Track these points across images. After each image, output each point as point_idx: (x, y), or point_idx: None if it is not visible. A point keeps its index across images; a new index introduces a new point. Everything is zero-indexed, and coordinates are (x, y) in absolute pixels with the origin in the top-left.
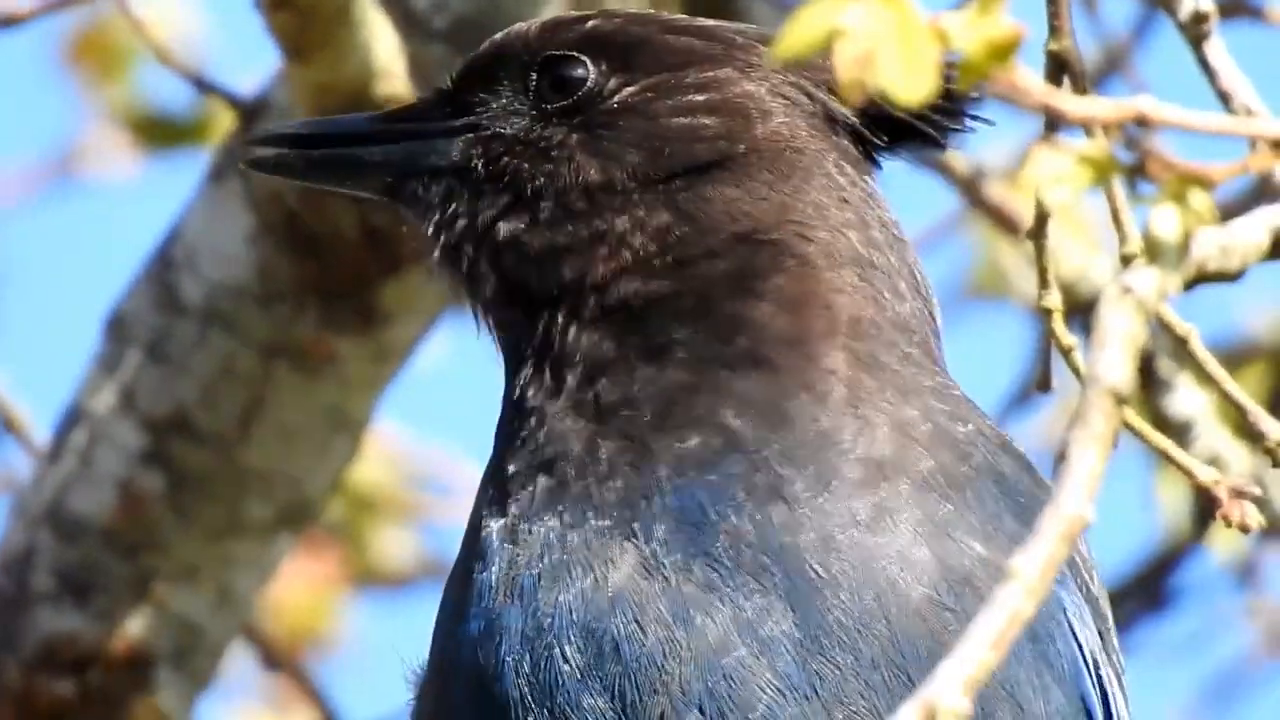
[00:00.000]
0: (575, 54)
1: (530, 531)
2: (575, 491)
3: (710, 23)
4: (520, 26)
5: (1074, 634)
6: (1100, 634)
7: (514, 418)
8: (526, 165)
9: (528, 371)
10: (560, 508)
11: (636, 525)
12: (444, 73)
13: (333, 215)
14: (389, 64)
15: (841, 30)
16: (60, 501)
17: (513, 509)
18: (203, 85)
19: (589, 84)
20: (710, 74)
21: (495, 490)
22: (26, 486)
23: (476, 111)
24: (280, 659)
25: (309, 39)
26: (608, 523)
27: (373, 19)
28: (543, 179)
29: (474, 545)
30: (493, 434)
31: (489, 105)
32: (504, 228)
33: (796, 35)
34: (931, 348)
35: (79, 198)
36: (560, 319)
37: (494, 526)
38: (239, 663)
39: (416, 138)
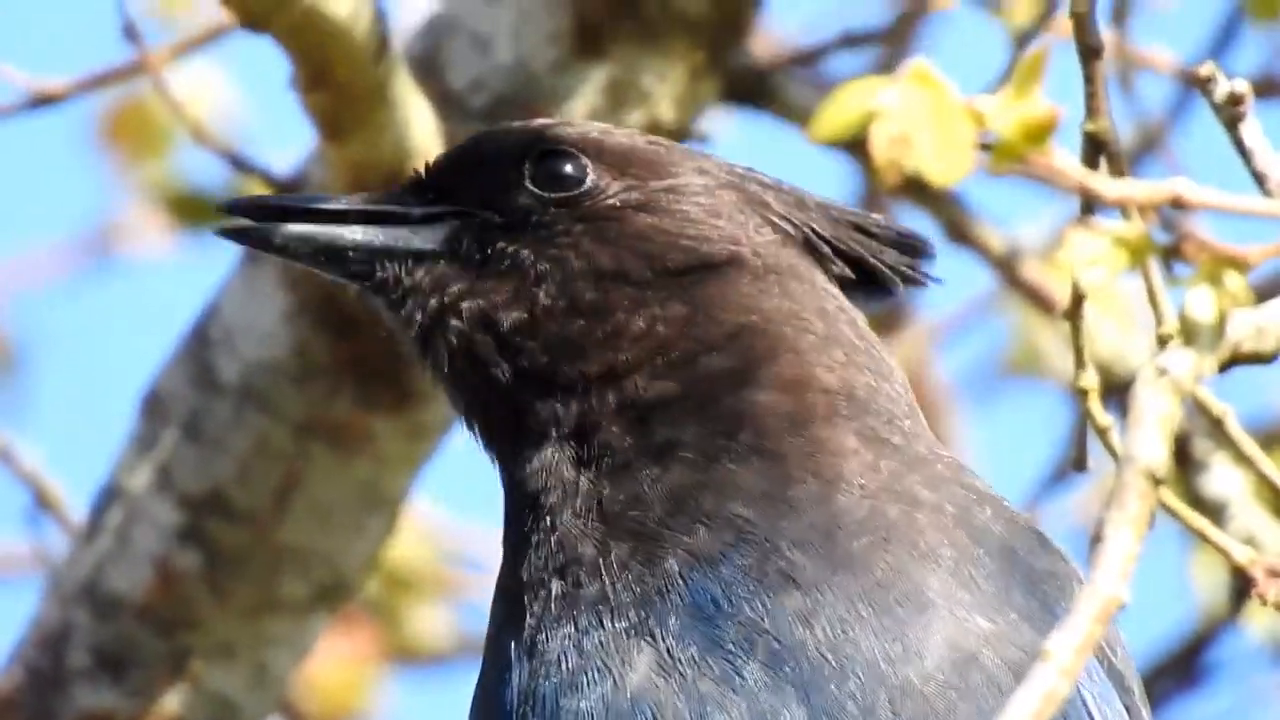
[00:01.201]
0: (572, 150)
1: (547, 641)
2: (589, 595)
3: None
4: (510, 124)
5: (1090, 716)
6: (1127, 708)
7: (521, 524)
8: (528, 251)
9: (533, 475)
10: (575, 613)
11: (652, 623)
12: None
13: None
14: (426, 143)
15: (878, 111)
16: (96, 579)
17: (528, 620)
18: (239, 164)
19: (589, 180)
20: (705, 183)
21: (509, 602)
22: (62, 564)
23: (461, 199)
24: None
25: (345, 118)
26: (624, 624)
27: (410, 98)
28: (548, 265)
29: (493, 661)
30: (501, 541)
31: (473, 194)
32: (507, 316)
33: (834, 115)
34: (924, 423)
35: (115, 276)
36: (568, 416)
37: (510, 641)
38: None
39: (398, 221)
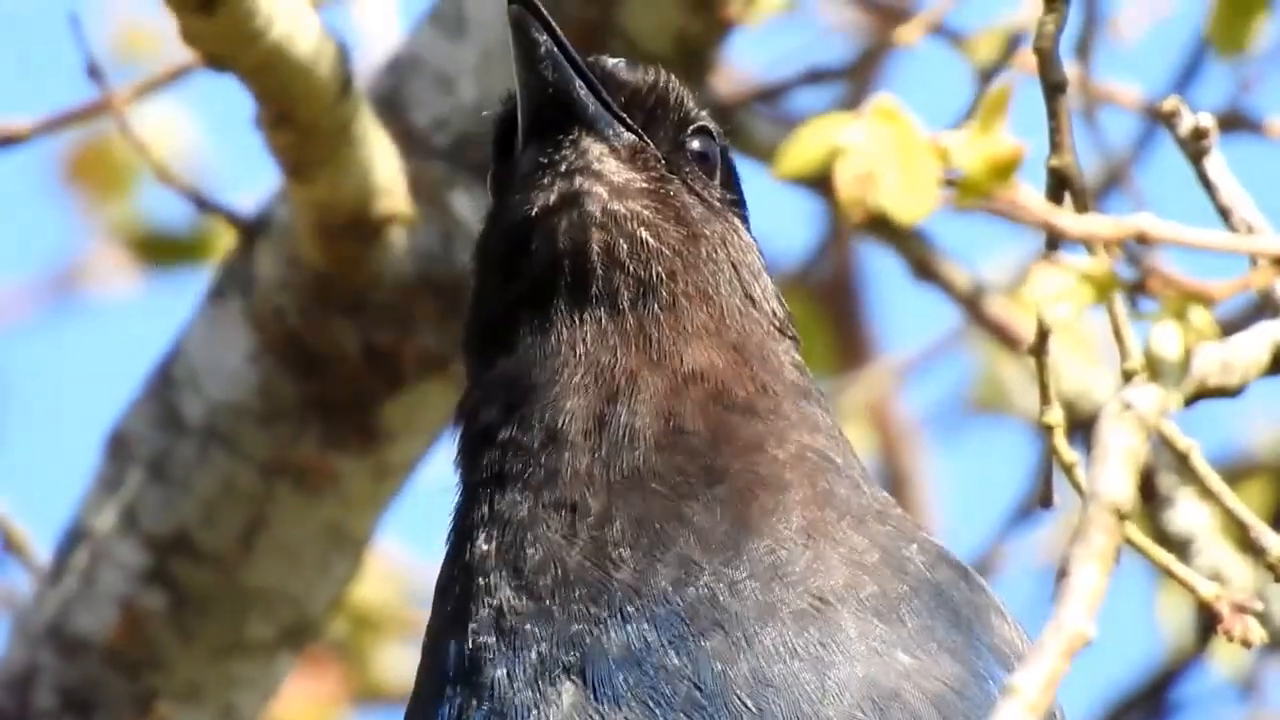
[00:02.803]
0: (718, 142)
1: (484, 660)
2: (532, 611)
3: None
4: (675, 80)
5: None
6: None
7: (481, 502)
8: (701, 210)
9: (506, 464)
10: (515, 632)
11: (581, 660)
12: (446, 190)
13: (334, 334)
14: (390, 182)
15: (842, 148)
16: (62, 620)
17: (470, 627)
18: (203, 203)
19: (718, 176)
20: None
21: (452, 599)
22: (28, 605)
23: (639, 120)
24: None
25: (309, 157)
26: (559, 652)
27: (373, 137)
28: (711, 230)
29: (430, 670)
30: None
31: (651, 124)
32: (664, 243)
33: (798, 152)
34: (865, 468)
35: (79, 316)
36: (620, 377)
37: (450, 648)
38: None
39: (605, 107)
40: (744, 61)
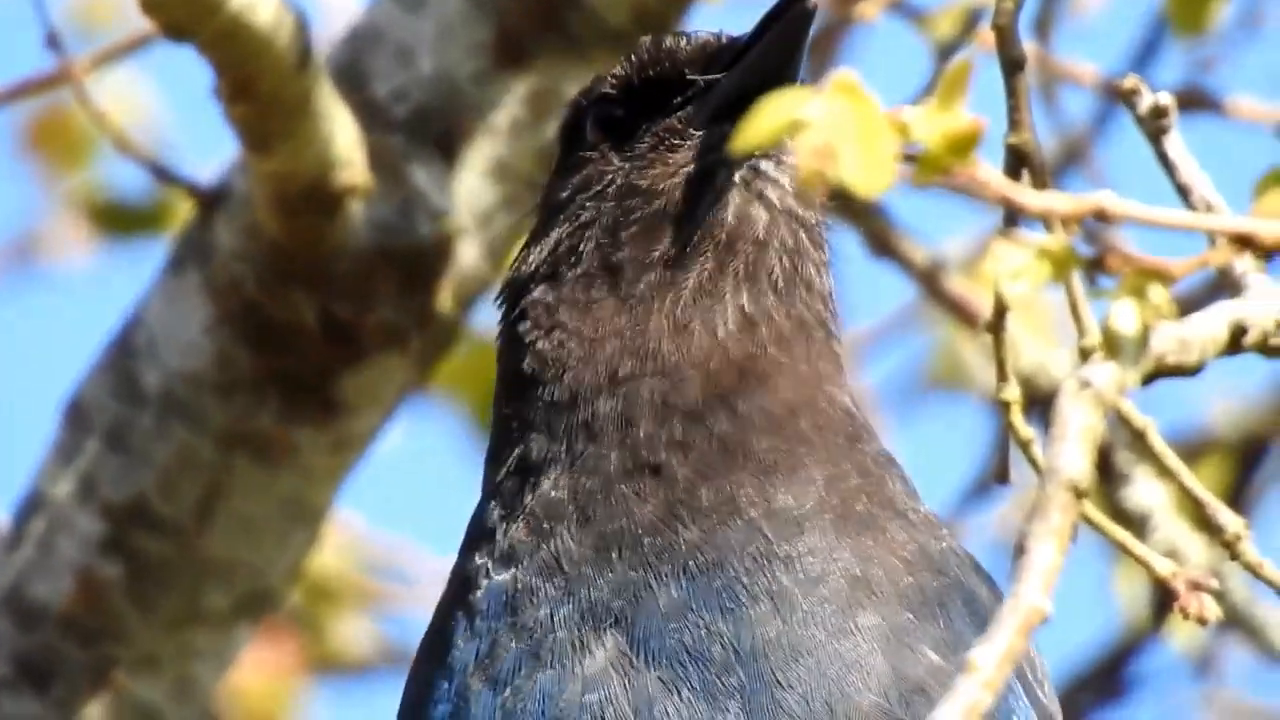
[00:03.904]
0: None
1: (520, 609)
2: (575, 567)
3: None
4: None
5: None
6: None
7: (532, 461)
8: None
9: (576, 437)
10: (557, 582)
11: (631, 613)
12: (405, 162)
13: (292, 305)
14: (349, 154)
15: (802, 122)
16: (19, 589)
17: (507, 583)
18: (162, 174)
19: None
20: None
21: (487, 557)
22: None
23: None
24: None
25: (268, 128)
26: (605, 605)
27: (332, 109)
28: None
29: (445, 623)
30: (486, 475)
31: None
32: (811, 247)
33: (758, 127)
34: (896, 460)
35: (37, 285)
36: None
37: (476, 603)
38: None
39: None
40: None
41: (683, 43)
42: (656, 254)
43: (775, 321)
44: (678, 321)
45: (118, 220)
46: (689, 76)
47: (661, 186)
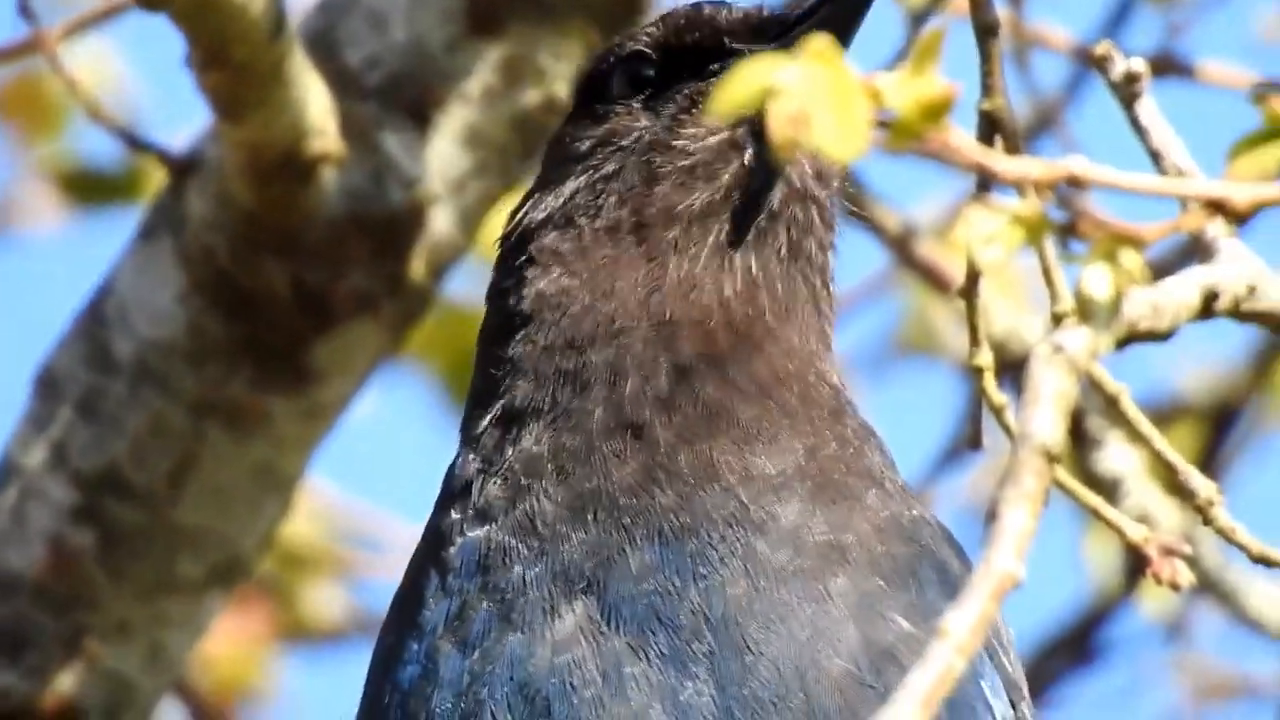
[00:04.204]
0: None
1: (493, 568)
2: (549, 528)
3: None
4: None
5: (990, 705)
6: (1013, 703)
7: (516, 410)
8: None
9: (562, 387)
10: (530, 542)
11: (599, 577)
12: (377, 130)
13: (264, 274)
14: (321, 122)
15: (776, 88)
16: None
17: (480, 541)
18: (134, 142)
19: None
20: None
21: (462, 515)
22: None
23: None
24: (211, 714)
25: (241, 96)
26: (578, 567)
27: (305, 77)
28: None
29: (417, 579)
30: (466, 424)
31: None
32: (831, 221)
33: (732, 93)
34: (876, 432)
35: (9, 253)
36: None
37: (449, 560)
38: (170, 719)
39: None
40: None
41: (724, 11)
42: (680, 212)
43: (776, 290)
44: (691, 278)
45: (90, 189)
46: (731, 45)
47: (692, 148)
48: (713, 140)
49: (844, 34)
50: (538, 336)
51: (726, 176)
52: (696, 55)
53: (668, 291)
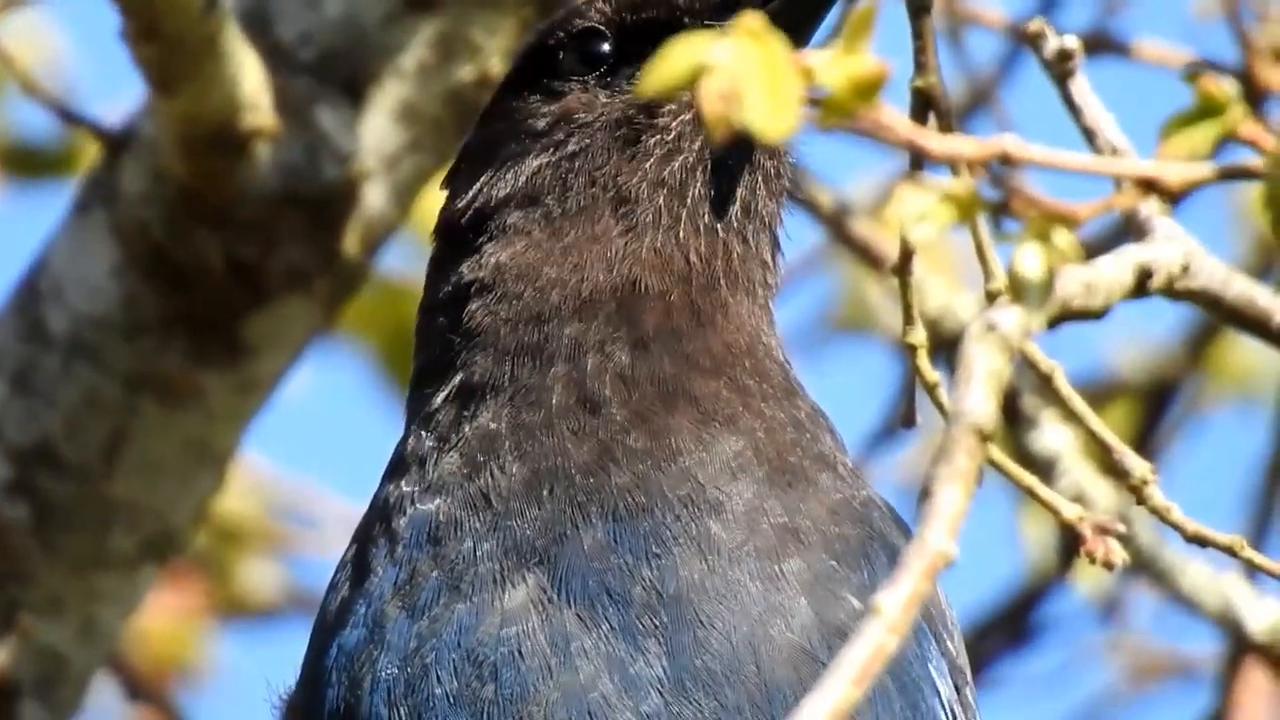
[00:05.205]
0: None
1: (443, 539)
2: (503, 503)
3: None
4: None
5: (936, 688)
6: (957, 688)
7: (473, 385)
8: None
9: (522, 361)
10: (484, 517)
11: (550, 553)
12: (311, 105)
13: (198, 248)
14: (255, 96)
15: (708, 66)
16: None
17: (431, 513)
18: (69, 116)
19: None
20: None
21: (413, 486)
22: None
23: None
24: (145, 690)
25: (175, 71)
26: (529, 542)
27: (239, 51)
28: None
29: (363, 548)
30: (414, 399)
31: None
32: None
33: (664, 70)
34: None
35: None
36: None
37: (398, 532)
38: (104, 694)
39: None
40: None
41: None
42: (661, 185)
43: (732, 260)
44: (666, 247)
45: (24, 163)
46: (687, 23)
47: (673, 124)
48: (688, 115)
49: (810, 20)
50: (498, 308)
51: (699, 149)
52: (653, 32)
53: (643, 262)
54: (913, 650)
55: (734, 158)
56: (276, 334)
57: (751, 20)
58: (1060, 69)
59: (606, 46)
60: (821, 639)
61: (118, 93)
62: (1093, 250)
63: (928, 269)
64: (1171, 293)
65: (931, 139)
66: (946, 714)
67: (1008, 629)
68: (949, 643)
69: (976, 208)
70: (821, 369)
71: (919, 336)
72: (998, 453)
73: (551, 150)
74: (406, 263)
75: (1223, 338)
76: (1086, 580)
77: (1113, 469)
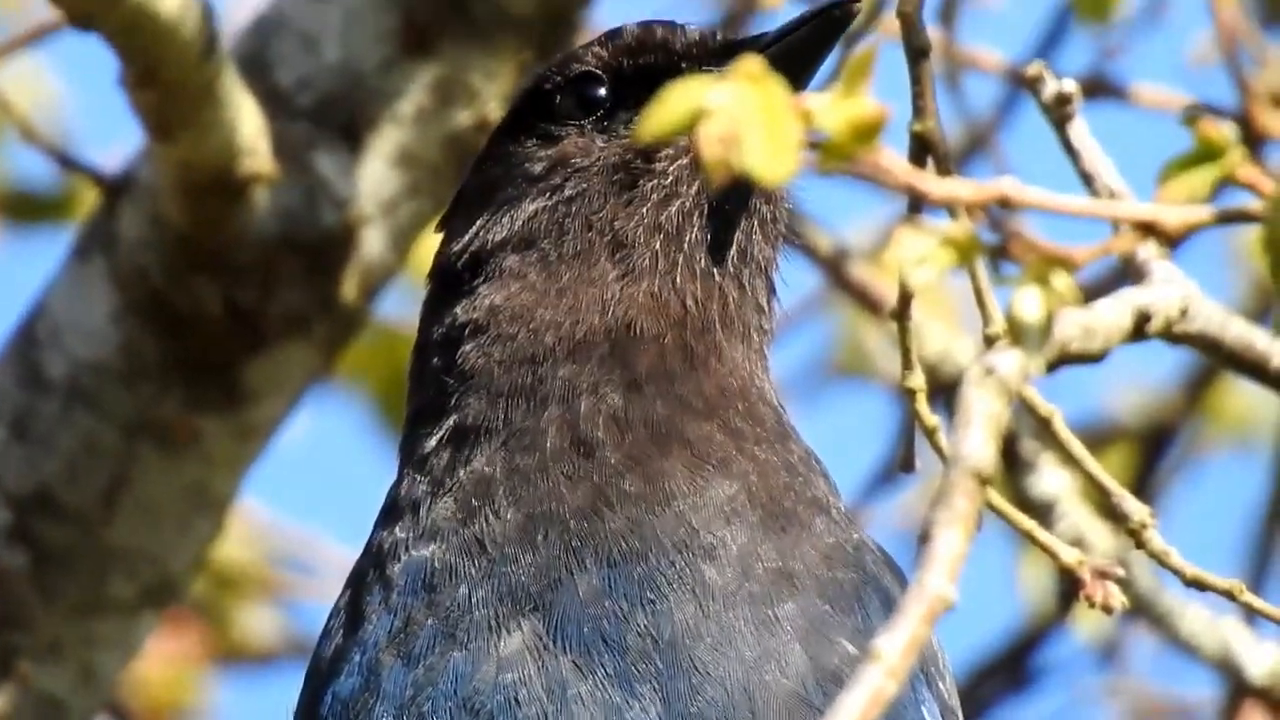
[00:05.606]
0: None
1: (438, 586)
2: (498, 549)
3: None
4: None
5: None
6: None
7: (467, 429)
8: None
9: (516, 404)
10: (479, 562)
11: (550, 598)
12: (309, 150)
13: (197, 294)
14: (253, 142)
15: (706, 109)
16: None
17: (426, 559)
18: (67, 162)
19: None
20: None
21: (408, 533)
22: None
23: None
24: None
25: (174, 116)
26: (525, 589)
27: (238, 97)
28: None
29: (357, 595)
30: (408, 443)
31: None
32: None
33: (663, 113)
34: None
35: None
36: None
37: (392, 578)
38: None
39: None
40: (608, 23)
41: (678, 34)
42: (658, 231)
43: (728, 305)
44: (662, 292)
45: (23, 209)
46: (685, 67)
47: (670, 169)
48: (685, 160)
49: (817, 55)
50: (492, 350)
51: (695, 194)
52: (650, 76)
53: (638, 305)
54: (907, 695)
55: (731, 202)
56: (275, 379)
57: (750, 64)
58: (1059, 113)
59: (603, 90)
60: (816, 684)
61: (116, 139)
62: (1091, 294)
63: (926, 313)
64: (1170, 336)
65: (930, 182)
66: None
67: (1007, 673)
68: (940, 684)
69: (975, 251)
70: (820, 413)
71: (918, 381)
72: (997, 496)
73: (548, 194)
74: (405, 308)
75: (1221, 381)
76: (1086, 624)
77: (1111, 513)
